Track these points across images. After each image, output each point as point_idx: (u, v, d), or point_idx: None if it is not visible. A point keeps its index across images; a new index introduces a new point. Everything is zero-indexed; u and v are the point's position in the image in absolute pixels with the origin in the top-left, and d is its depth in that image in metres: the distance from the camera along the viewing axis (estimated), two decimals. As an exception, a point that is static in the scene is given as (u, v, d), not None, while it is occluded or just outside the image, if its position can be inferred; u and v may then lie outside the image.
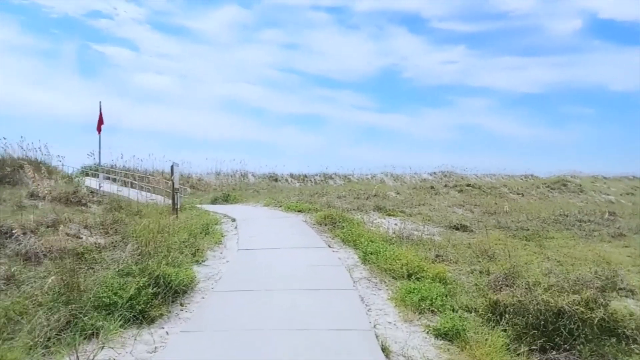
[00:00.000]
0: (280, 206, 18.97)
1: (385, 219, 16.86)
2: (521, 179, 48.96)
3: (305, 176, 39.71)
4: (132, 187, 27.37)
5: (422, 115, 64.90)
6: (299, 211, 16.66)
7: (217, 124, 55.92)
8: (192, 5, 57.41)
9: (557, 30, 62.03)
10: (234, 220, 14.85)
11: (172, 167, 15.16)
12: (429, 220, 17.42)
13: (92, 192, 27.00)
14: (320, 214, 13.93)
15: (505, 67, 63.60)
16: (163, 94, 55.47)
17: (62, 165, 28.78)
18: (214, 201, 22.90)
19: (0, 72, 45.06)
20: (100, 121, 20.73)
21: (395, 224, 16.29)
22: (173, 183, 15.16)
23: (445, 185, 28.28)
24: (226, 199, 22.60)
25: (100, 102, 20.97)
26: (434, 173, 48.06)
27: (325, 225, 13.29)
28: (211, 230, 12.56)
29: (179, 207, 15.54)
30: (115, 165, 32.24)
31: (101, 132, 20.67)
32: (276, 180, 37.58)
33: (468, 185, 28.58)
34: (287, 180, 38.43)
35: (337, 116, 62.24)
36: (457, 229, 16.31)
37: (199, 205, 20.04)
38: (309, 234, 12.09)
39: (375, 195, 22.36)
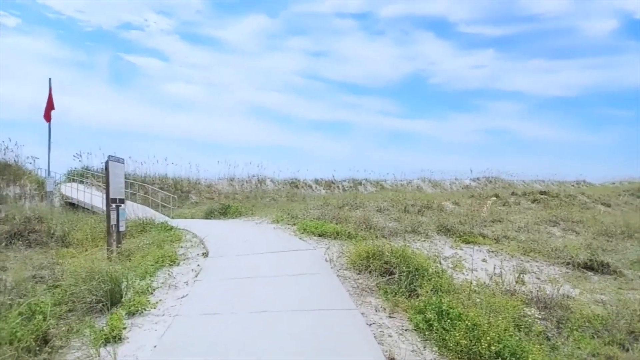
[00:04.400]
0: (295, 224, 12.28)
1: (463, 250, 9.89)
2: (573, 185, 41.51)
3: (332, 182, 32.91)
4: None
5: (449, 120, 59.85)
6: (320, 235, 9.93)
7: (243, 131, 53.33)
8: (219, 16, 55.32)
9: (591, 32, 56.18)
10: (205, 255, 8.26)
11: (107, 164, 8.71)
12: (530, 251, 10.36)
13: (68, 202, 21.24)
14: (359, 249, 7.13)
15: (536, 70, 58.24)
16: (191, 103, 54.25)
17: (37, 168, 23.07)
18: (208, 215, 16.42)
19: (41, 82, 43.81)
20: (50, 105, 14.57)
21: (484, 259, 9.33)
22: (108, 190, 8.68)
23: (513, 193, 21.21)
24: (224, 212, 16.11)
25: (50, 80, 14.87)
26: (477, 179, 41.01)
27: (369, 272, 6.51)
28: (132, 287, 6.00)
29: (122, 230, 9.04)
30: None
31: (50, 121, 14.53)
32: (297, 186, 30.89)
33: (542, 193, 21.44)
34: (310, 186, 31.70)
35: (363, 122, 57.95)
36: (589, 268, 9.27)
37: (179, 222, 13.59)
38: (339, 305, 5.32)
39: (428, 208, 15.40)
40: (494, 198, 16.07)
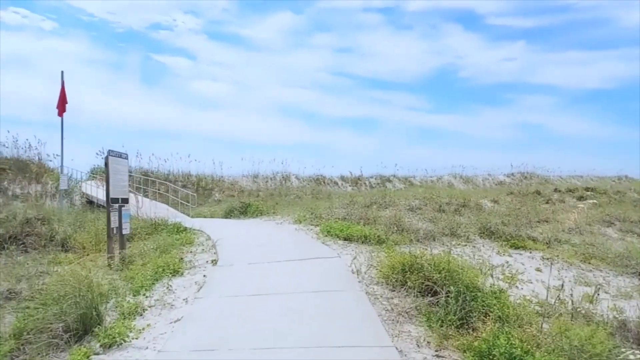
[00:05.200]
0: (319, 224, 11.10)
1: (512, 257, 8.50)
2: (614, 181, 38.85)
3: (359, 179, 31.55)
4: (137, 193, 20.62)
5: (479, 115, 57.36)
6: (345, 239, 8.72)
7: (269, 129, 52.66)
8: (246, 14, 54.90)
9: (628, 21, 52.28)
10: (214, 262, 7.17)
11: (106, 160, 7.73)
12: (591, 258, 8.87)
13: (89, 200, 20.70)
14: (392, 260, 5.87)
15: (570, 62, 54.86)
16: (218, 101, 54.22)
17: (59, 166, 22.60)
18: (228, 214, 15.40)
19: (73, 83, 45.80)
20: (63, 99, 13.82)
21: (539, 268, 7.93)
22: (108, 189, 7.69)
23: (556, 190, 19.45)
24: (244, 211, 15.06)
25: (62, 73, 14.13)
26: (512, 174, 38.86)
27: (406, 289, 5.25)
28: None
29: (125, 233, 8.04)
30: (130, 166, 25.66)
31: (63, 115, 13.80)
32: (322, 183, 29.69)
33: (588, 189, 19.58)
34: (336, 183, 30.44)
35: (390, 118, 56.15)
36: (667, 280, 7.76)
37: (197, 222, 12.61)
38: (370, 338, 4.10)
39: (464, 206, 13.94)
40: (593, 201, 14.12)
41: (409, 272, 5.39)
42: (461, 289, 4.65)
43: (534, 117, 57.82)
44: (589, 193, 18.98)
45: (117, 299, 5.34)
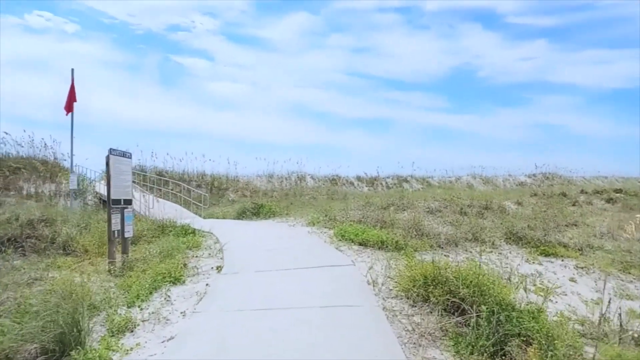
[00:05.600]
0: (333, 227, 10.53)
1: (543, 265, 7.79)
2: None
3: (375, 179, 30.86)
4: (146, 192, 20.37)
5: (497, 115, 56.12)
6: (361, 244, 8.12)
7: (285, 130, 52.55)
8: (263, 15, 54.88)
9: None
10: (219, 269, 6.65)
11: (107, 159, 7.27)
12: (630, 267, 8.10)
13: (102, 200, 20.50)
14: (413, 271, 5.23)
15: (591, 61, 53.21)
16: (235, 102, 54.34)
17: (75, 165, 22.52)
18: (240, 215, 14.90)
19: (94, 85, 49.43)
20: (72, 97, 13.49)
21: (573, 279, 7.23)
22: (109, 189, 7.23)
23: (583, 192, 18.47)
24: (257, 212, 14.55)
25: (72, 70, 13.80)
26: (533, 175, 37.72)
27: (429, 304, 4.64)
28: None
29: (128, 236, 7.58)
30: (144, 165, 25.50)
31: (71, 113, 13.47)
32: (338, 183, 29.08)
33: (617, 191, 18.57)
34: (352, 183, 29.81)
35: (407, 118, 55.35)
36: None
37: (208, 223, 12.15)
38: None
39: (487, 209, 13.19)
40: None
41: (432, 286, 4.76)
42: (494, 309, 4.01)
43: (554, 117, 56.34)
44: (618, 195, 17.97)
45: (108, 312, 4.85)
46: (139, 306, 5.09)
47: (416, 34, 55.95)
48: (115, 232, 7.30)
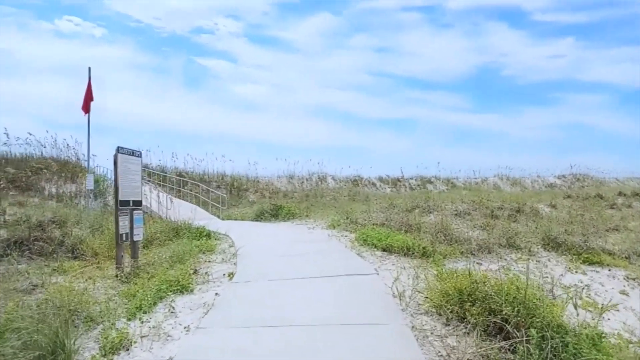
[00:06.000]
0: (354, 230, 9.94)
1: (587, 275, 7.02)
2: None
3: (399, 180, 30.06)
4: (163, 191, 20.15)
5: (524, 115, 54.45)
6: (385, 250, 7.49)
7: (307, 131, 52.34)
8: (285, 17, 54.87)
9: None
10: (231, 276, 6.13)
11: (115, 158, 6.85)
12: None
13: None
14: (445, 284, 4.58)
15: (622, 58, 51.14)
16: (258, 103, 54.65)
17: (96, 166, 22.57)
18: (259, 216, 14.43)
19: (120, 87, 51.10)
20: (89, 96, 13.26)
21: (624, 291, 6.44)
22: (116, 190, 6.81)
23: (621, 194, 17.37)
24: (275, 214, 14.07)
25: (89, 69, 13.58)
26: (563, 176, 36.27)
27: (465, 325, 3.99)
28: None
29: (137, 240, 7.14)
30: (165, 166, 25.38)
31: (88, 112, 13.23)
32: (360, 184, 28.42)
33: (658, 193, 17.38)
34: (374, 184, 29.10)
35: (430, 118, 54.25)
36: None
37: (225, 225, 11.70)
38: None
39: (519, 211, 12.35)
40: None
41: (468, 302, 4.12)
42: (547, 333, 3.36)
43: (583, 116, 54.34)
44: (659, 197, 16.77)
45: (105, 325, 4.37)
46: (139, 318, 4.61)
47: (440, 33, 54.82)
48: (124, 235, 6.87)
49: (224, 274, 6.36)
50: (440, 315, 4.36)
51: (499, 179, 34.56)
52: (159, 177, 23.18)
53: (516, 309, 3.79)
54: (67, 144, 22.14)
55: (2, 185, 17.48)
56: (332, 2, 55.50)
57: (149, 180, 23.29)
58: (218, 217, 15.97)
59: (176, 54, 55.58)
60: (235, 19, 53.76)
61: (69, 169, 20.80)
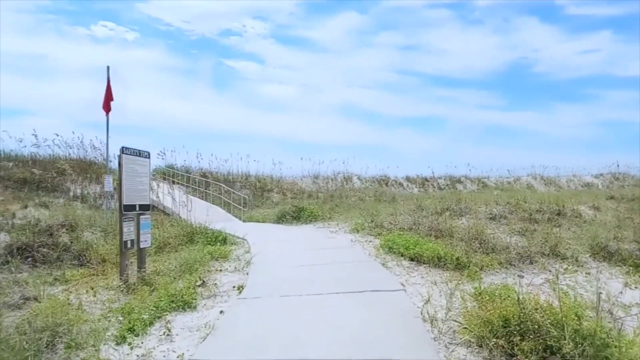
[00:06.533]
0: (379, 235, 9.19)
1: (651, 294, 6.04)
2: None
3: (426, 179, 29.00)
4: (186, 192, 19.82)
5: (556, 112, 51.91)
6: (413, 259, 6.72)
7: (333, 130, 51.70)
8: (311, 17, 54.58)
9: None
10: (240, 290, 5.49)
11: (120, 159, 6.33)
12: None
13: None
14: (487, 310, 3.79)
15: None
16: (285, 103, 54.68)
17: (106, 167, 22.52)
18: (280, 218, 13.81)
19: (150, 89, 51.76)
20: (109, 95, 12.93)
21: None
22: (121, 194, 6.29)
23: (671, 194, 15.99)
24: (297, 216, 13.44)
25: (108, 68, 13.25)
26: (601, 175, 34.26)
27: (512, 357, 3.22)
28: None
29: (145, 246, 6.60)
30: (190, 166, 25.15)
31: (109, 112, 12.90)
32: (386, 184, 27.51)
33: None
34: (401, 184, 28.12)
35: (459, 116, 52.60)
36: None
37: (244, 227, 11.13)
38: None
39: (559, 214, 11.30)
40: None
41: (517, 335, 3.33)
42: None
43: (620, 113, 51.59)
44: None
45: (88, 352, 3.79)
46: (129, 343, 4.01)
47: (468, 30, 53.06)
48: (128, 242, 6.34)
49: (234, 286, 5.73)
50: (481, 347, 3.58)
51: (532, 178, 32.98)
52: (183, 177, 22.93)
53: (580, 347, 2.99)
54: (93, 145, 22.18)
55: (27, 187, 17.49)
56: (358, 1, 54.62)
57: (173, 181, 23.11)
58: (239, 218, 15.46)
59: (205, 56, 55.98)
60: (263, 20, 53.64)
61: (94, 170, 20.78)
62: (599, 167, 33.20)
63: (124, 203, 6.31)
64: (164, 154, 25.23)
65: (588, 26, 51.70)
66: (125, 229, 6.31)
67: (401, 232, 8.67)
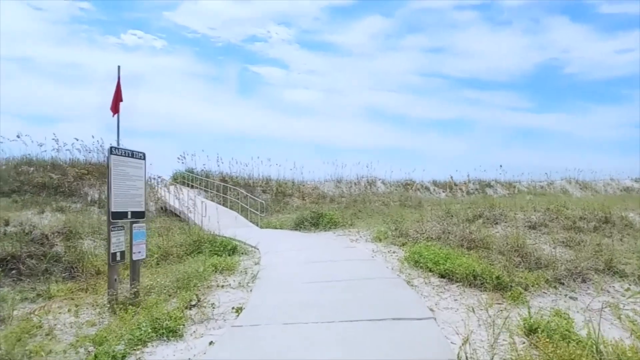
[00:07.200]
0: (404, 244, 8.25)
1: None
2: None
3: (454, 183, 27.69)
4: (208, 198, 19.24)
5: (592, 114, 49.62)
6: (443, 275, 5.74)
7: (358, 134, 50.97)
8: (336, 21, 54.25)
9: None
10: (239, 312, 4.64)
11: (108, 160, 5.60)
12: None
13: (164, 207, 19.79)
14: (546, 354, 2.82)
15: None
16: (309, 108, 54.70)
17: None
18: (298, 225, 12.96)
19: (178, 95, 52.75)
20: (118, 97, 12.35)
21: None
22: (109, 200, 5.57)
23: None
24: (316, 223, 12.58)
25: (119, 68, 12.68)
26: (640, 179, 32.24)
27: None
28: None
29: (139, 258, 5.86)
30: (210, 170, 24.62)
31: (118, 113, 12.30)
32: (412, 188, 26.32)
33: None
34: (427, 188, 26.89)
35: (486, 119, 50.94)
36: None
37: (259, 234, 10.32)
38: None
39: (606, 222, 10.03)
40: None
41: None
42: None
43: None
44: None
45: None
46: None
47: (496, 31, 51.33)
48: (118, 254, 5.60)
49: (233, 307, 4.89)
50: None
51: (567, 182, 31.24)
52: (201, 182, 22.43)
53: None
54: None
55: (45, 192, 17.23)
56: (383, 4, 53.61)
57: (192, 185, 22.61)
58: (256, 224, 14.70)
59: (230, 62, 56.15)
60: (287, 26, 53.31)
61: (113, 174, 20.47)
62: (636, 170, 31.13)
63: (112, 210, 5.58)
64: (184, 157, 24.80)
65: (621, 25, 49.34)
66: (113, 240, 5.57)
67: (428, 243, 7.69)
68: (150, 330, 4.09)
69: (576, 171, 30.19)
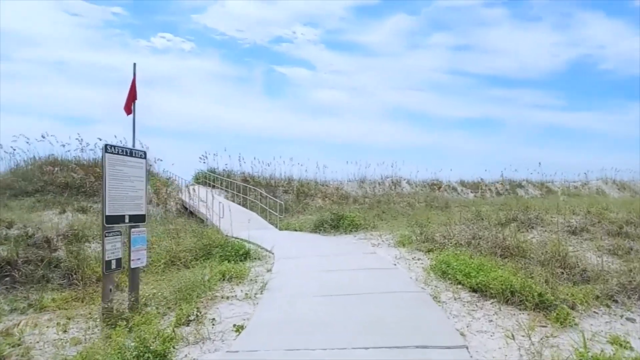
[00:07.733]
0: (430, 251, 7.54)
1: None
2: None
3: (483, 184, 26.53)
4: (228, 198, 18.86)
5: (625, 111, 47.37)
6: (475, 290, 5.01)
7: (383, 133, 50.15)
8: (361, 21, 53.77)
9: None
10: (239, 331, 4.05)
11: (103, 159, 5.14)
12: None
13: (185, 206, 19.52)
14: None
15: None
16: (335, 108, 54.55)
17: (164, 170, 22.14)
18: (317, 227, 12.35)
19: (205, 96, 53.35)
20: (132, 96, 11.98)
21: None
22: (104, 202, 5.10)
23: None
24: (336, 225, 11.95)
25: (134, 65, 12.33)
26: (684, 178, 30.24)
27: None
28: None
29: (139, 266, 5.37)
30: (232, 170, 24.26)
31: (132, 113, 11.95)
32: (439, 188, 25.32)
33: None
34: (455, 189, 25.84)
35: (516, 117, 49.21)
36: None
37: (280, 236, 9.77)
38: None
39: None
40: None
41: None
42: None
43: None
44: None
45: None
46: None
47: (526, 27, 49.44)
48: (113, 262, 5.12)
49: (234, 325, 4.31)
50: None
51: (603, 182, 29.63)
52: (223, 182, 22.11)
53: None
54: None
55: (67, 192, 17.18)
56: (408, 2, 52.51)
57: (214, 185, 22.32)
58: (275, 226, 14.18)
59: (257, 64, 56.23)
60: (313, 27, 52.89)
61: (135, 174, 20.36)
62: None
63: (107, 214, 5.10)
64: (206, 157, 24.53)
65: (659, 19, 46.82)
66: (108, 246, 5.09)
67: (457, 250, 6.95)
68: (136, 354, 3.56)
69: (613, 170, 28.53)
